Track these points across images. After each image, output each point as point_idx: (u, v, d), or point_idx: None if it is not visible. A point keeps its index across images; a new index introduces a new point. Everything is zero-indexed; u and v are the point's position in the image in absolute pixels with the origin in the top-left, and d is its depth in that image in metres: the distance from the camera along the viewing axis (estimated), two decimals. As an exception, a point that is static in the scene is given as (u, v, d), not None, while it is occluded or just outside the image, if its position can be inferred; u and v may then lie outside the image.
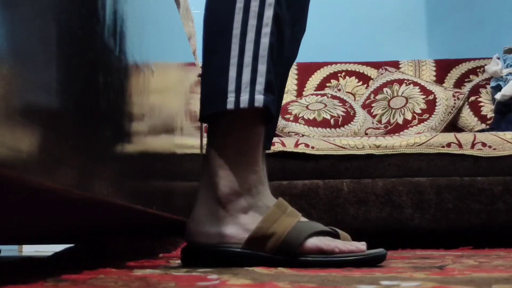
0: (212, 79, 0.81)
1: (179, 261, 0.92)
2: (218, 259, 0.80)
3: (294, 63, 2.54)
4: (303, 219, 0.84)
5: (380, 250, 0.83)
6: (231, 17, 0.80)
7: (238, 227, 0.81)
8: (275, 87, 0.81)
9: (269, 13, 0.80)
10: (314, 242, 0.80)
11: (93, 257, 1.07)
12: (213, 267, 0.78)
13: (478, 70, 2.46)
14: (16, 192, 0.51)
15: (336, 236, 0.83)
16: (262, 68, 0.79)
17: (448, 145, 1.74)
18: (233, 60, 0.79)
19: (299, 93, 2.47)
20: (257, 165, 0.83)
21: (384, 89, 2.37)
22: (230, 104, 0.79)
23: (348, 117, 2.19)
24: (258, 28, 0.79)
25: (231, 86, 0.79)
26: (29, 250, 2.53)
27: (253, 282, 0.55)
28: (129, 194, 0.74)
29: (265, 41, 0.79)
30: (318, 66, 2.55)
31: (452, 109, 2.26)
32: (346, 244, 0.81)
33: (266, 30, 0.80)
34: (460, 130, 2.24)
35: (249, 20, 0.79)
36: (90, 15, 0.60)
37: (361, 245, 0.82)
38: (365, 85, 2.49)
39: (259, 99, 0.78)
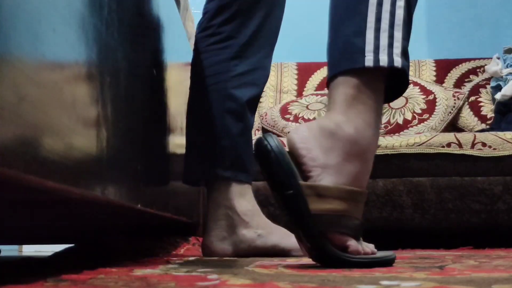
0: (345, 40, 0.82)
1: (179, 261, 0.92)
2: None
3: (294, 63, 2.56)
4: None
5: (389, 253, 0.80)
6: None
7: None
8: (408, 56, 0.83)
9: None
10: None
11: (93, 257, 1.07)
12: (214, 265, 0.78)
13: (478, 70, 2.46)
14: (16, 192, 0.51)
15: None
16: (398, 35, 0.81)
17: (448, 145, 1.74)
18: (370, 24, 0.81)
19: (299, 93, 2.47)
20: (378, 128, 0.82)
21: (384, 89, 2.37)
22: (369, 62, 0.80)
23: (348, 117, 2.19)
24: (393, 1, 0.82)
25: (369, 46, 0.80)
26: (29, 250, 2.53)
27: (253, 282, 0.55)
28: (129, 194, 0.74)
29: (400, 12, 0.82)
30: (318, 66, 2.55)
31: (452, 109, 2.26)
32: (363, 246, 0.79)
33: (400, 3, 0.82)
34: (460, 130, 2.24)
35: None
36: (94, 16, 0.60)
37: (369, 248, 0.80)
38: (365, 85, 2.48)
39: (398, 61, 0.80)
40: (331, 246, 0.75)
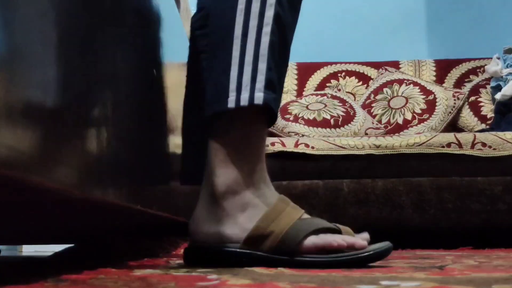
0: (215, 80, 0.82)
1: (179, 261, 0.92)
2: (218, 259, 0.80)
3: (294, 63, 2.56)
4: (306, 216, 0.83)
5: (383, 245, 0.81)
6: (233, 19, 0.81)
7: (236, 227, 0.81)
8: (276, 85, 0.82)
9: (270, 13, 0.81)
10: (312, 240, 0.79)
11: (93, 257, 1.07)
12: (213, 267, 0.78)
13: (478, 70, 2.46)
14: (16, 192, 0.51)
15: (338, 232, 0.83)
16: (262, 66, 0.80)
17: (448, 145, 1.74)
18: (235, 60, 0.80)
19: (299, 93, 2.47)
20: (257, 163, 0.83)
21: (384, 89, 2.37)
22: (231, 103, 0.79)
23: (348, 117, 2.19)
24: (259, 28, 0.80)
25: (232, 85, 0.79)
26: (29, 250, 2.52)
27: (253, 282, 0.55)
28: (129, 194, 0.74)
29: (265, 40, 0.80)
30: (318, 66, 2.55)
31: (452, 109, 2.26)
32: (346, 238, 0.80)
33: (267, 29, 0.80)
34: (460, 130, 2.24)
35: (250, 21, 0.80)
36: (92, 17, 0.60)
37: (362, 240, 0.80)
38: (365, 85, 2.48)
39: (259, 96, 0.79)
40: (306, 256, 0.79)
